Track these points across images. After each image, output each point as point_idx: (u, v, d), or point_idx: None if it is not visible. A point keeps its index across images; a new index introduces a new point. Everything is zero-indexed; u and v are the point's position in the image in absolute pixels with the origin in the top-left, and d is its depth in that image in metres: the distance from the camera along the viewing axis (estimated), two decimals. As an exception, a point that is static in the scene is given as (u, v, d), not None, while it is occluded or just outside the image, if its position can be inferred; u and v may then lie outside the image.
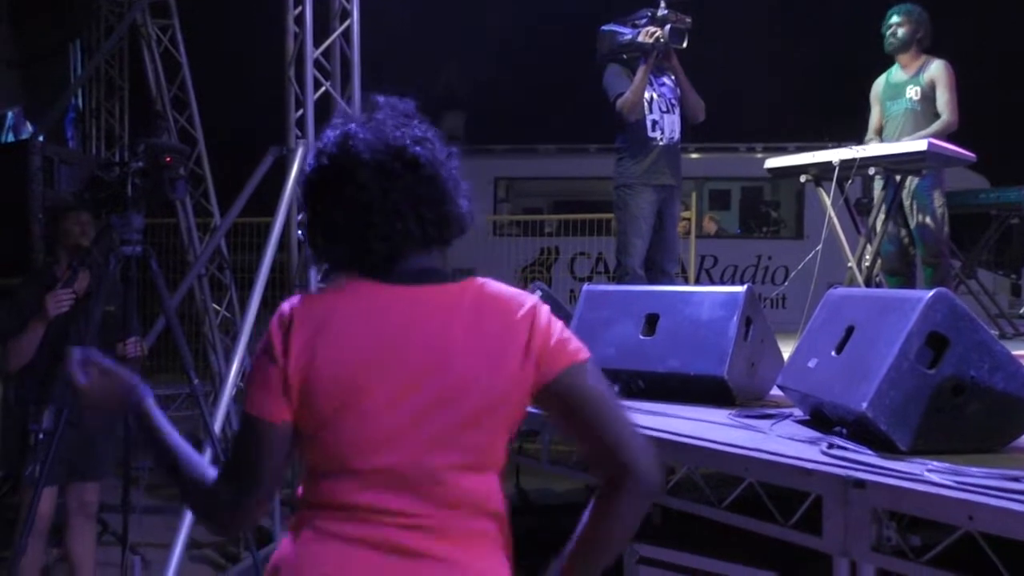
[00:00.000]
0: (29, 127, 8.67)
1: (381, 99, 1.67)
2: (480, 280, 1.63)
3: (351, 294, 1.58)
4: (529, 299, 1.62)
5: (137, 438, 1.70)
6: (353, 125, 1.61)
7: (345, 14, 5.65)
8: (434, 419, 1.51)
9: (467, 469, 1.53)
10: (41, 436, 3.81)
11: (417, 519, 1.51)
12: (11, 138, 8.59)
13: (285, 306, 1.57)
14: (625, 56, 5.41)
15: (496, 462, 1.59)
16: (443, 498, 1.52)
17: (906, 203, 5.55)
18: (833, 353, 2.89)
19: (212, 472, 1.64)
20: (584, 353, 1.61)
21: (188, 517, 4.59)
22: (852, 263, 5.25)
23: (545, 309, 1.62)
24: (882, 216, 5.37)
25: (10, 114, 8.67)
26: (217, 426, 4.88)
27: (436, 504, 1.52)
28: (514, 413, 1.58)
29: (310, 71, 5.49)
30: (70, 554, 4.22)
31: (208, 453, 4.73)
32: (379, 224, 1.56)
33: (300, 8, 5.46)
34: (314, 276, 5.37)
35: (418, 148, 1.59)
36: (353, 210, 1.57)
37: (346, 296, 1.58)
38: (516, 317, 1.58)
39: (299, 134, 5.46)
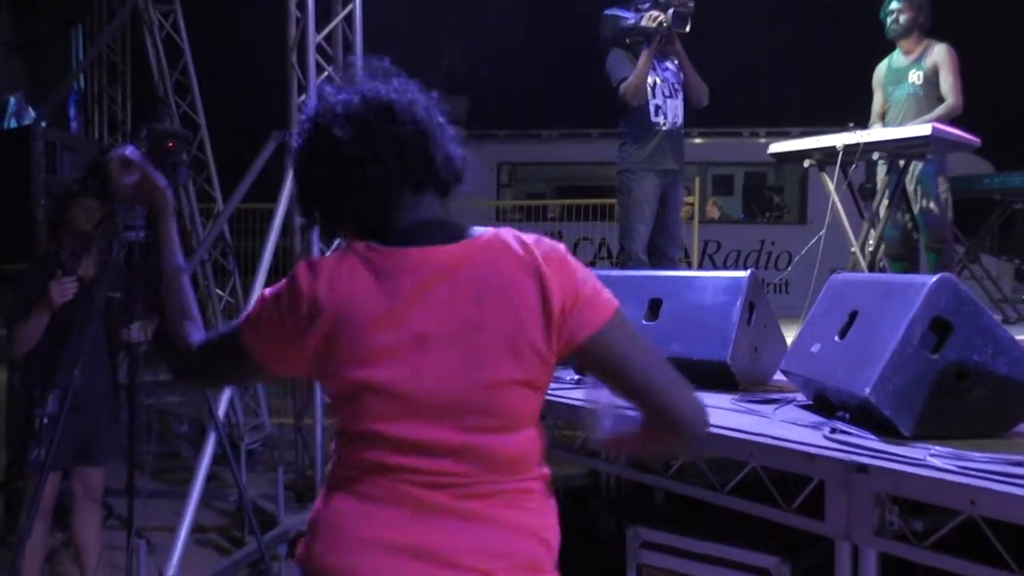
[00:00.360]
0: (31, 112, 8.65)
1: (356, 59, 1.68)
2: (491, 231, 1.58)
3: (356, 261, 1.55)
4: (542, 248, 1.57)
5: (149, 246, 1.76)
6: (328, 88, 1.63)
7: (347, -1, 5.64)
8: (455, 385, 1.50)
9: (496, 430, 1.52)
10: (46, 420, 3.82)
11: (449, 479, 1.50)
12: (14, 124, 8.58)
13: (300, 270, 1.57)
14: (628, 40, 5.39)
15: (528, 418, 1.58)
16: (474, 459, 1.51)
17: (909, 188, 5.54)
18: (836, 338, 2.89)
19: (195, 331, 1.72)
20: (612, 305, 1.59)
21: (193, 502, 4.61)
22: (856, 248, 5.25)
23: (560, 258, 1.57)
24: (886, 201, 5.36)
25: (12, 99, 8.65)
26: (220, 410, 4.90)
27: (468, 464, 1.51)
28: (539, 371, 1.55)
29: (312, 56, 5.48)
30: (76, 538, 4.24)
31: (212, 438, 4.77)
32: (362, 174, 1.55)
33: (302, -8, 5.46)
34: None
35: (393, 95, 1.58)
36: (336, 165, 1.56)
37: (350, 263, 1.55)
38: (528, 269, 1.54)
39: (302, 119, 5.46)
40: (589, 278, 1.59)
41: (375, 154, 1.55)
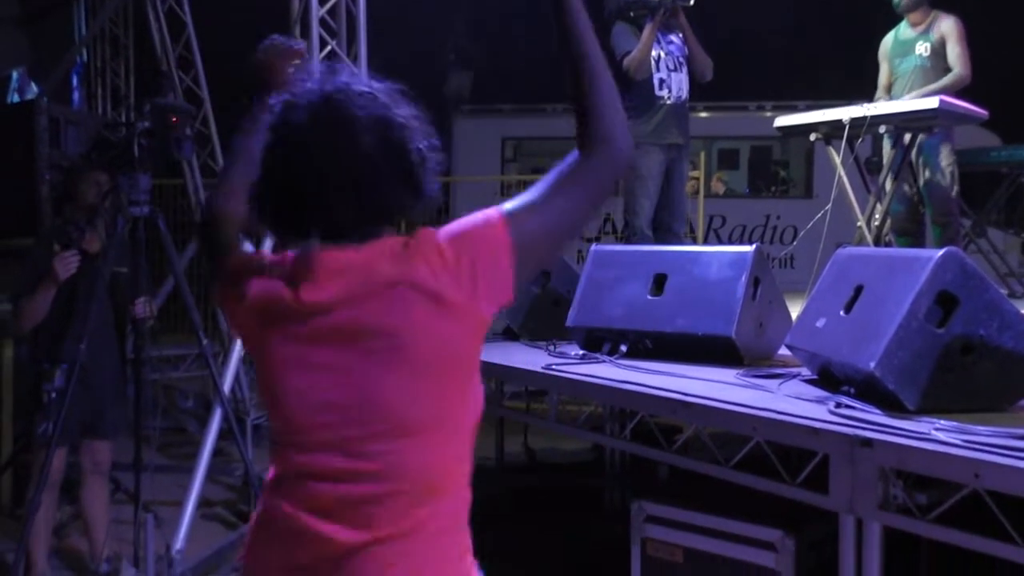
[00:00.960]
0: (34, 87, 8.63)
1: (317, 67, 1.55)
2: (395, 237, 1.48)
3: (278, 264, 1.52)
4: (419, 243, 1.45)
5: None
6: (285, 98, 1.50)
7: (351, -28, 5.61)
8: (350, 390, 1.44)
9: (398, 437, 1.44)
10: (53, 395, 3.84)
11: (352, 489, 1.44)
12: (16, 98, 8.55)
13: (257, 259, 1.57)
14: (632, 14, 5.36)
15: (437, 425, 1.46)
16: (376, 469, 1.44)
17: (915, 161, 5.51)
18: (841, 313, 2.89)
19: (240, 204, 1.64)
20: (502, 235, 1.45)
21: (199, 477, 4.64)
22: (861, 222, 5.23)
23: (432, 241, 1.44)
24: (892, 175, 5.34)
25: (15, 74, 8.62)
26: (226, 386, 4.91)
27: (371, 474, 1.44)
28: (443, 368, 1.45)
29: (316, 30, 5.45)
30: (84, 511, 4.28)
31: (218, 413, 4.78)
32: (280, 209, 1.48)
33: (305, -34, 5.43)
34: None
35: (322, 133, 1.43)
36: (267, 190, 1.49)
37: (276, 269, 1.51)
38: (406, 268, 1.42)
39: (305, 93, 5.44)
40: (465, 232, 1.47)
41: (300, 190, 1.45)
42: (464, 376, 1.49)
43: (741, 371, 3.30)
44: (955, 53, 5.40)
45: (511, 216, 1.48)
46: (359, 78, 1.52)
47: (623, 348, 3.69)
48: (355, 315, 1.43)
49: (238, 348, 5.21)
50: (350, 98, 1.46)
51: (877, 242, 5.20)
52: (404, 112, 1.50)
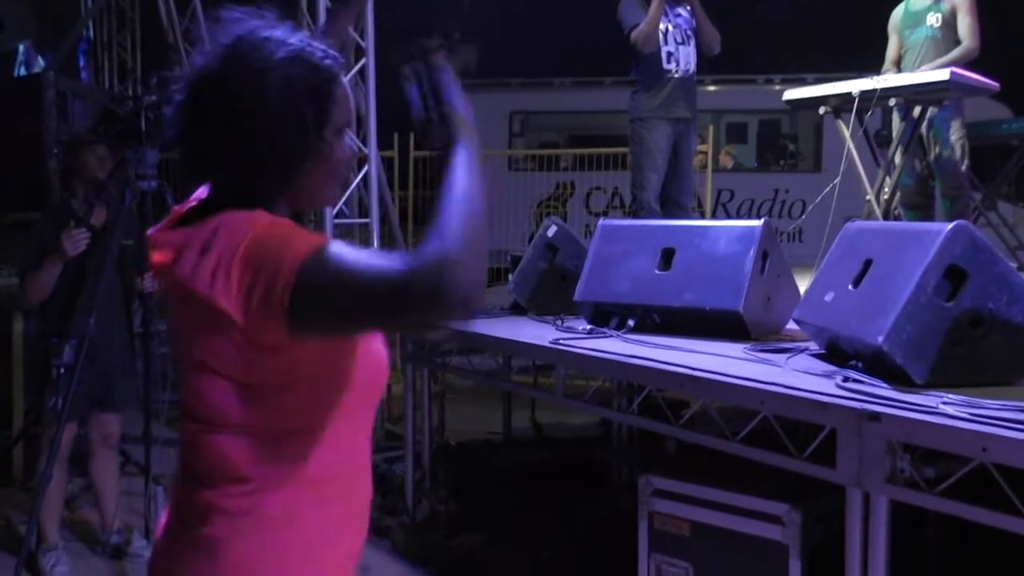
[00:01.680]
0: (40, 61, 8.61)
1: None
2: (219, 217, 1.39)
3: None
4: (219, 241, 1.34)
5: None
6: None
7: (357, -57, 5.56)
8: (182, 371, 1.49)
9: (203, 430, 1.42)
10: (62, 371, 3.86)
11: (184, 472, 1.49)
12: (23, 72, 8.53)
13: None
14: (641, -14, 5.32)
15: (229, 423, 1.40)
16: (186, 454, 1.48)
17: (924, 135, 5.48)
18: (850, 287, 2.88)
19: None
20: (289, 275, 1.25)
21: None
22: (871, 196, 5.21)
23: (232, 244, 1.32)
24: (901, 149, 5.30)
25: (21, 48, 8.59)
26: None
27: (188, 460, 1.48)
28: (212, 370, 1.39)
29: (322, 3, 5.42)
30: (94, 484, 4.31)
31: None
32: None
33: (312, -63, 5.39)
34: (329, 214, 5.37)
35: (192, 93, 1.42)
36: None
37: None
38: (195, 272, 1.34)
39: (312, 66, 5.41)
40: (264, 251, 1.30)
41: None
42: (241, 383, 1.38)
43: (749, 345, 3.29)
44: (965, 24, 5.36)
45: (311, 263, 1.26)
46: (273, 38, 1.41)
47: (630, 323, 3.69)
48: (168, 299, 1.47)
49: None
50: (224, 61, 1.40)
51: (886, 216, 5.18)
52: (278, 85, 1.37)
